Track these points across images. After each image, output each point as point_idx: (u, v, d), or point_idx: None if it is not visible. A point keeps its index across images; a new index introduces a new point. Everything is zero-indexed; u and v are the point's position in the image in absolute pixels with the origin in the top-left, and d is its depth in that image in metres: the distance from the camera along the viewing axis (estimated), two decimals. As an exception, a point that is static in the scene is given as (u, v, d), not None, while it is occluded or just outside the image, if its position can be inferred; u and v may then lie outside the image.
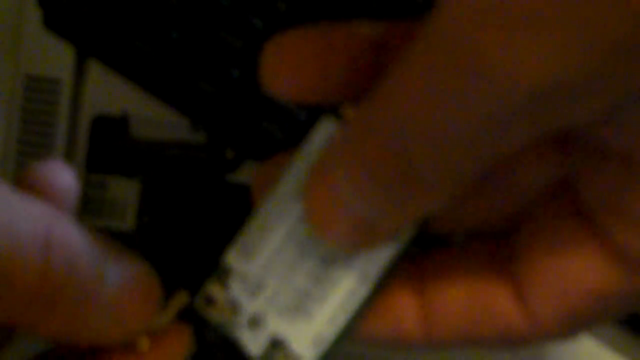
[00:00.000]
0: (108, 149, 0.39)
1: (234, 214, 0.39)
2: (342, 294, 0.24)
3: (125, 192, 0.39)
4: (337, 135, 0.23)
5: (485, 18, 0.18)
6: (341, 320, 0.24)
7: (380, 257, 0.24)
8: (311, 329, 0.25)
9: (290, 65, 0.23)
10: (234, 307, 0.25)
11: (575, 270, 0.23)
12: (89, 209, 0.39)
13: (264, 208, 0.25)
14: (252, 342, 0.25)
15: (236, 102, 0.37)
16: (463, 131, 0.19)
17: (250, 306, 0.25)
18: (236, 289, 0.25)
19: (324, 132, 0.25)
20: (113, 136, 0.39)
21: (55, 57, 0.38)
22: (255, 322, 0.25)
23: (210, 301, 0.25)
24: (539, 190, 0.24)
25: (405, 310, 0.25)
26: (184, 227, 0.39)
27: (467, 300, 0.24)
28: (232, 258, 0.25)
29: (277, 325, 0.25)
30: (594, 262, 0.23)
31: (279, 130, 0.37)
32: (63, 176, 0.26)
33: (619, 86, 0.19)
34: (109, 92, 0.38)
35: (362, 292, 0.24)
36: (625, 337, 0.37)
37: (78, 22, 0.38)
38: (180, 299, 0.28)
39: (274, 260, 0.25)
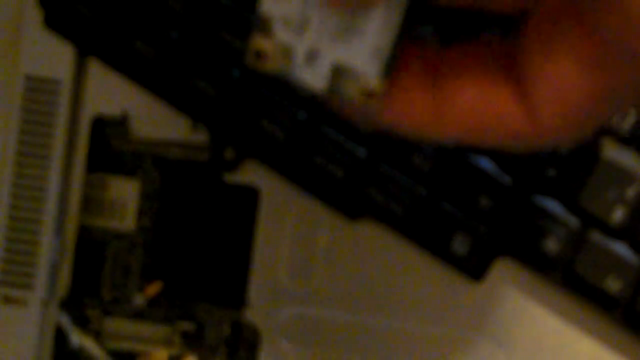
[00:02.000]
0: (108, 149, 0.39)
1: (233, 214, 0.39)
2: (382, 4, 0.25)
3: (125, 192, 0.39)
4: None
5: None
6: (390, 28, 0.25)
7: None
8: (366, 44, 0.25)
9: None
10: (286, 52, 0.25)
11: (569, 72, 0.25)
12: (89, 209, 0.39)
13: None
14: (315, 77, 0.26)
15: (236, 102, 0.37)
16: None
17: (301, 44, 0.25)
18: (282, 34, 0.25)
19: None
20: (113, 136, 0.39)
21: (55, 58, 0.38)
22: (311, 57, 0.25)
23: (260, 55, 0.26)
24: None
25: (418, 94, 0.26)
26: (184, 227, 0.39)
27: (477, 95, 0.26)
28: (268, 4, 0.25)
29: (333, 51, 0.25)
30: (586, 62, 0.24)
31: (279, 130, 0.37)
32: None
33: None
34: (109, 92, 0.38)
35: None
36: (625, 337, 0.37)
37: (79, 22, 0.38)
38: (156, 286, 0.32)
39: None
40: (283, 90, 0.37)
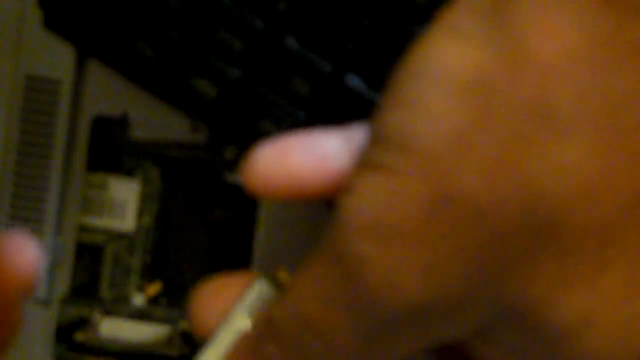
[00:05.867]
0: (108, 149, 0.39)
1: (233, 214, 0.39)
2: None
3: (125, 192, 0.39)
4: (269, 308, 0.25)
5: (368, 233, 0.20)
6: None
7: None
8: None
9: None
10: None
11: None
12: (89, 209, 0.39)
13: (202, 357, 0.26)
14: None
15: (236, 102, 0.37)
16: (352, 333, 0.22)
17: None
18: None
19: (258, 291, 0.26)
20: (113, 136, 0.39)
21: (55, 58, 0.38)
22: None
23: None
24: None
25: None
26: (184, 227, 0.39)
27: None
28: None
29: None
30: None
31: (279, 130, 0.37)
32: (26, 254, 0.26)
33: (485, 306, 0.21)
34: (109, 92, 0.38)
35: None
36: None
37: (78, 22, 0.38)
38: (156, 286, 0.33)
39: None
40: (283, 90, 0.37)
